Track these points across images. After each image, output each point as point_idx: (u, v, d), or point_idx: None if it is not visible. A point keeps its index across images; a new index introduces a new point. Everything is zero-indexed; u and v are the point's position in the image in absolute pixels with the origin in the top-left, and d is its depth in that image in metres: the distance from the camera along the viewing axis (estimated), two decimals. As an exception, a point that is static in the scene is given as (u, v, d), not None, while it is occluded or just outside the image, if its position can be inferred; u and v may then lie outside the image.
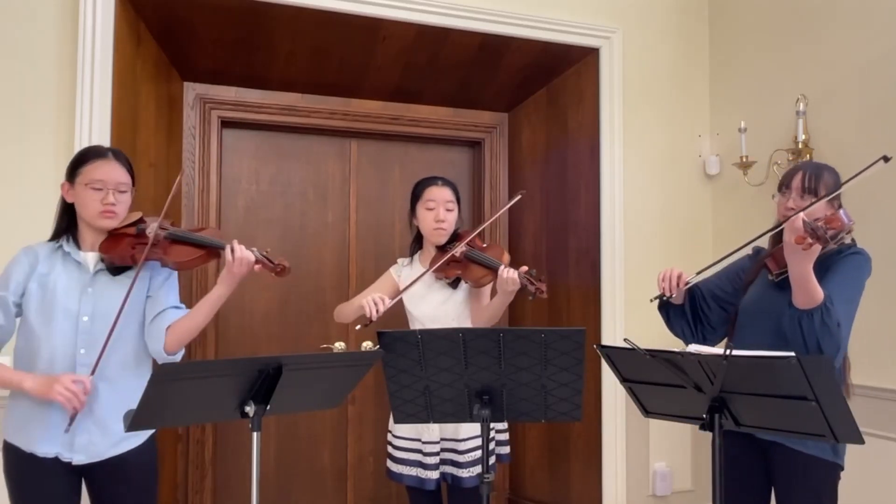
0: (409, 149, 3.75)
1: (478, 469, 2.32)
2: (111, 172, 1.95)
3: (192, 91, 3.32)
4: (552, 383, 1.82)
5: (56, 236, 1.99)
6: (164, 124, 3.15)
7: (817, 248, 1.74)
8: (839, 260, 1.94)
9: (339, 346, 3.51)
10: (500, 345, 1.78)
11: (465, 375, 1.82)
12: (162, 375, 1.53)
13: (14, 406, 1.93)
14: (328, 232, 3.60)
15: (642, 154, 3.38)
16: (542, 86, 3.61)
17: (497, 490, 3.67)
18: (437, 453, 2.39)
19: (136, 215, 2.03)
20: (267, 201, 3.51)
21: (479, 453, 2.36)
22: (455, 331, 1.80)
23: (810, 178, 1.98)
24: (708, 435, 1.68)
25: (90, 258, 1.98)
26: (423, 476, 2.37)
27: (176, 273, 2.10)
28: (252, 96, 3.39)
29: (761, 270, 2.11)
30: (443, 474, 2.40)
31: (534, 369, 1.80)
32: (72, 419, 1.84)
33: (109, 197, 1.93)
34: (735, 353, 1.56)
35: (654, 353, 1.67)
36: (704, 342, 2.16)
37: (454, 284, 2.46)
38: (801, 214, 1.76)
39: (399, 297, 2.37)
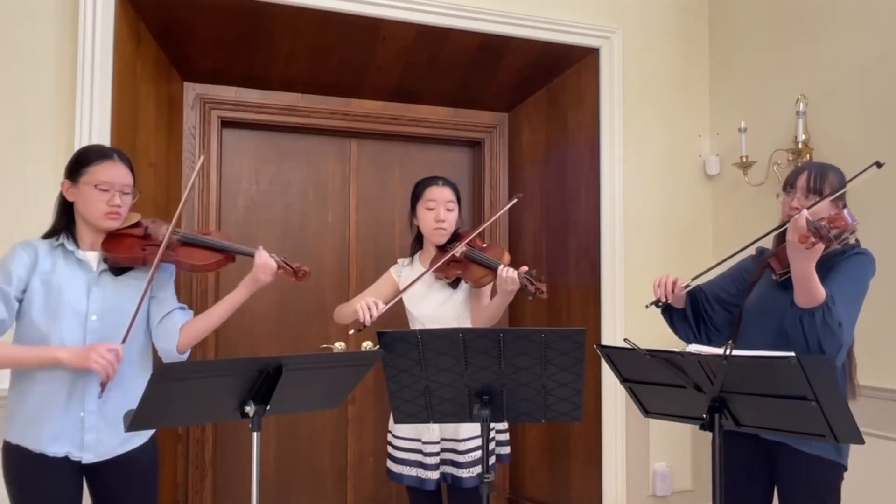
0: (409, 149, 3.75)
1: (478, 469, 2.32)
2: (118, 174, 1.96)
3: (192, 91, 3.32)
4: (552, 383, 1.82)
5: (53, 234, 1.98)
6: (164, 124, 3.15)
7: (820, 248, 1.74)
8: (843, 260, 1.94)
9: (339, 346, 3.51)
10: (500, 345, 1.78)
11: (465, 375, 1.82)
12: (162, 375, 1.53)
13: (20, 406, 1.91)
14: (328, 232, 3.60)
15: (642, 154, 3.38)
16: (542, 86, 3.61)
17: (497, 490, 3.67)
18: (437, 453, 2.38)
19: (136, 217, 2.04)
20: (267, 201, 3.51)
21: (479, 453, 2.36)
22: (455, 331, 1.80)
23: (815, 177, 1.98)
24: (708, 435, 1.68)
25: (91, 257, 1.98)
26: (423, 476, 2.37)
27: (174, 275, 2.12)
28: (252, 96, 3.39)
29: (765, 270, 2.11)
30: (443, 474, 2.40)
31: (534, 369, 1.80)
32: (103, 387, 1.86)
33: (116, 199, 1.94)
34: (735, 353, 1.56)
35: (654, 353, 1.67)
36: (710, 344, 2.16)
37: (454, 284, 2.46)
38: (805, 213, 1.76)
39: (393, 302, 2.36)
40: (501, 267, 2.30)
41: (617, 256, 3.27)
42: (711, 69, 3.52)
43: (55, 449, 1.89)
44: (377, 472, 3.56)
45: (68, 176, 1.96)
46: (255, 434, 1.63)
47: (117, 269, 1.99)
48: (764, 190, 3.09)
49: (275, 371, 1.61)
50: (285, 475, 3.47)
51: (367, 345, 3.47)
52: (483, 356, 1.79)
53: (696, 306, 2.22)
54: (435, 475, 2.38)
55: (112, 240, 1.98)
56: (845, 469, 1.97)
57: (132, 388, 1.89)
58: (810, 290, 1.80)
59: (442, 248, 2.48)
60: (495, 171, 3.81)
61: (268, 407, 1.64)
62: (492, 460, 2.31)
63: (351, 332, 2.26)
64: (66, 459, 1.91)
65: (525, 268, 2.30)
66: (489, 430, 1.82)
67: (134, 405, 1.55)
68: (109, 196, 1.93)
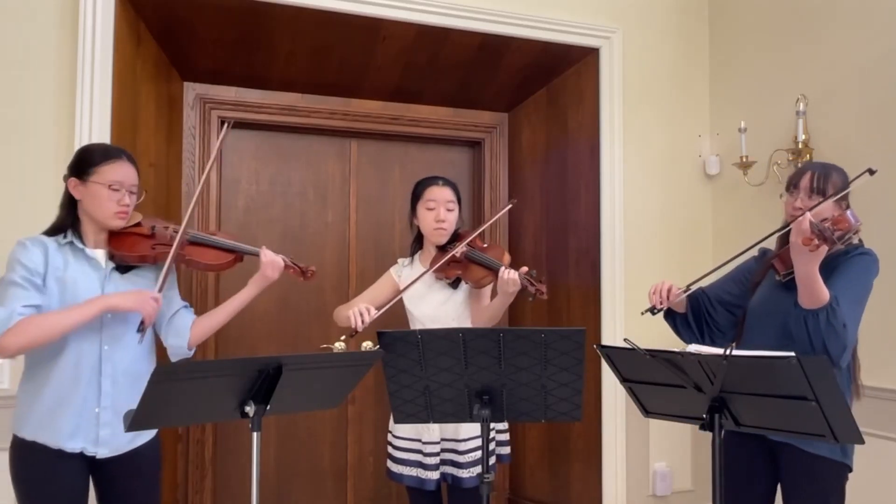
0: (409, 149, 3.75)
1: (478, 469, 2.31)
2: (127, 174, 1.99)
3: (192, 91, 3.32)
4: (552, 383, 1.82)
5: (58, 231, 1.98)
6: (164, 124, 3.15)
7: (824, 250, 1.74)
8: (846, 260, 1.94)
9: (339, 346, 3.51)
10: (500, 345, 1.78)
11: (465, 375, 1.82)
12: (162, 375, 1.53)
13: (34, 402, 1.91)
14: (328, 232, 3.60)
15: (642, 154, 3.38)
16: (542, 86, 3.61)
17: (497, 490, 3.67)
18: (437, 454, 2.38)
19: (138, 216, 2.07)
20: (267, 201, 3.51)
21: (479, 453, 2.36)
22: (455, 331, 1.80)
23: (819, 178, 1.98)
24: (708, 435, 1.68)
25: (100, 255, 2.01)
26: (424, 476, 2.37)
27: (175, 274, 2.16)
28: (252, 96, 3.39)
29: (768, 271, 2.11)
30: (443, 474, 2.40)
31: (534, 369, 1.80)
32: (144, 329, 1.94)
33: (126, 198, 1.98)
34: (735, 353, 1.56)
35: (654, 353, 1.67)
36: (714, 346, 2.16)
37: (454, 285, 2.46)
38: (808, 215, 1.76)
39: (391, 303, 2.36)
40: (502, 268, 2.30)
41: (617, 256, 3.27)
42: (711, 69, 3.52)
43: (72, 445, 1.91)
44: (377, 472, 3.56)
45: (76, 174, 1.96)
46: (255, 434, 1.63)
47: (123, 268, 2.02)
48: (764, 190, 3.09)
49: (275, 371, 1.61)
50: (285, 475, 3.47)
51: (367, 345, 3.47)
52: (483, 356, 1.79)
53: (698, 309, 2.22)
54: (435, 475, 2.38)
55: (118, 238, 2.01)
56: (850, 469, 1.97)
57: (144, 385, 1.91)
58: (814, 291, 1.80)
59: (442, 249, 2.48)
60: (495, 171, 3.81)
61: (268, 407, 1.64)
62: (492, 460, 2.31)
63: (343, 337, 2.28)
64: (81, 455, 1.93)
65: (525, 268, 2.30)
66: (489, 430, 1.82)
67: None
68: (120, 195, 1.96)
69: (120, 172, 1.97)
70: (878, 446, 2.51)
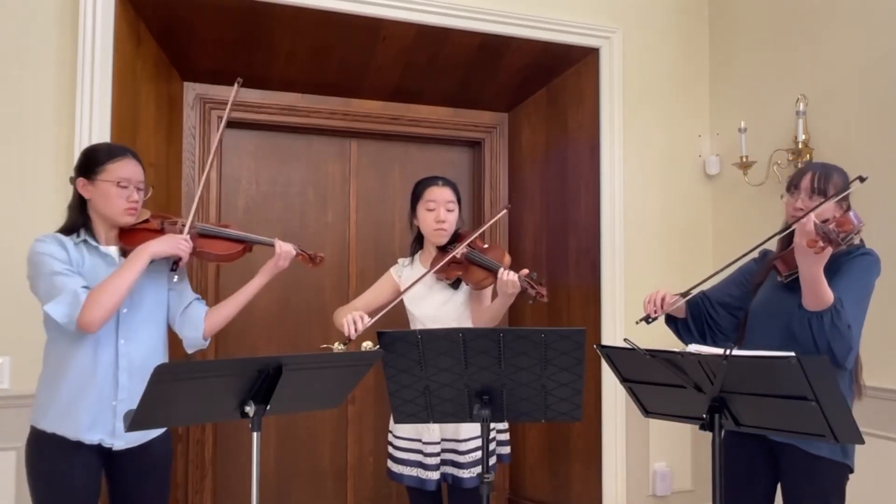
0: (409, 149, 3.75)
1: (478, 469, 2.31)
2: (134, 171, 2.03)
3: (192, 91, 3.32)
4: (552, 383, 1.82)
5: (69, 232, 2.00)
6: (164, 124, 3.15)
7: (828, 251, 1.73)
8: (848, 261, 1.94)
9: (339, 346, 3.50)
10: (500, 345, 1.78)
11: (465, 375, 1.82)
12: (162, 375, 1.53)
13: (55, 395, 1.94)
14: (328, 232, 3.60)
15: (642, 154, 3.38)
16: (542, 86, 3.61)
17: (497, 490, 3.67)
18: (437, 454, 2.38)
19: (146, 213, 2.11)
20: (267, 201, 3.51)
21: (479, 453, 2.35)
22: (455, 331, 1.80)
23: (819, 178, 1.98)
24: (708, 435, 1.68)
25: (113, 251, 2.03)
26: (424, 476, 2.37)
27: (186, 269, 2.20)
28: (252, 96, 3.38)
29: (770, 272, 2.10)
30: (443, 475, 2.39)
31: (534, 369, 1.80)
32: (177, 268, 2.05)
33: (134, 195, 2.01)
34: (735, 353, 1.56)
35: (654, 353, 1.67)
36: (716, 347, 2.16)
37: (455, 285, 2.45)
38: (812, 217, 1.75)
39: (386, 310, 2.36)
40: (502, 270, 2.29)
41: (617, 256, 3.27)
42: (711, 69, 3.52)
43: (91, 436, 1.94)
44: (377, 472, 3.56)
45: (83, 174, 1.99)
46: (255, 434, 1.64)
47: None
48: (764, 190, 3.09)
49: (275, 371, 1.61)
50: (285, 475, 3.47)
51: (367, 345, 3.46)
52: (483, 356, 1.79)
53: (699, 314, 2.22)
54: (435, 475, 2.38)
55: (128, 235, 2.04)
56: (851, 470, 1.96)
57: None
58: (819, 293, 1.79)
59: (442, 249, 2.48)
60: (495, 171, 3.81)
61: (268, 407, 1.65)
62: (492, 460, 2.32)
63: (336, 343, 2.29)
64: (98, 446, 1.96)
65: (526, 271, 2.30)
66: (489, 430, 1.82)
67: None
68: (129, 192, 2.00)
69: (127, 169, 2.00)
70: (878, 446, 2.51)
